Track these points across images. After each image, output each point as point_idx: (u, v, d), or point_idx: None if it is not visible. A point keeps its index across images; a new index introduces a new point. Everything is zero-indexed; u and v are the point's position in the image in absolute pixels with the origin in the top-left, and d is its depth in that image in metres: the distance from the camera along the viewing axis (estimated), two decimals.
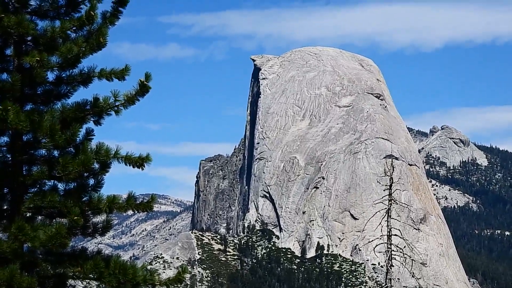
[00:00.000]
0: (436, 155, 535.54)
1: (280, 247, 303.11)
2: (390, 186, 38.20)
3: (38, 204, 16.36)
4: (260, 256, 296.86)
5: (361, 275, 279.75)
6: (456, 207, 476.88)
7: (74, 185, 16.60)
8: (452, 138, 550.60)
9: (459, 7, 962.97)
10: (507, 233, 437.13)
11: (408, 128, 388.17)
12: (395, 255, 38.11)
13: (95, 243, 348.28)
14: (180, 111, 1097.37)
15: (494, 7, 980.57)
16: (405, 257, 38.54)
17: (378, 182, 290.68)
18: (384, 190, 38.48)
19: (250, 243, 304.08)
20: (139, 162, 16.70)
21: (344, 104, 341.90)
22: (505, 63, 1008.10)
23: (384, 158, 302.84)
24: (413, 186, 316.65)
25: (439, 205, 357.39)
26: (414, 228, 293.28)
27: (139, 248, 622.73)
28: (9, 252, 15.86)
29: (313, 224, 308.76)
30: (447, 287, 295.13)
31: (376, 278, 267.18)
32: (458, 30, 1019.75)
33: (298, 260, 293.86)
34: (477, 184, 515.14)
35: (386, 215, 37.72)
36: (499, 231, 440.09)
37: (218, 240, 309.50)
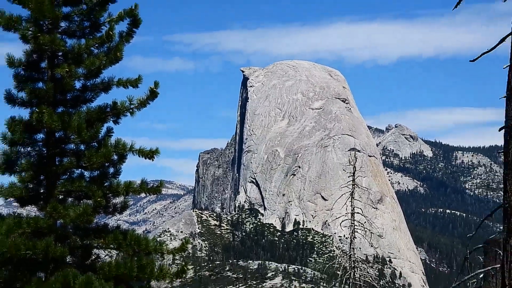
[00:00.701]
0: (390, 148, 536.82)
1: (264, 222, 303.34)
2: (353, 173, 38.28)
3: (68, 188, 16.34)
4: (248, 230, 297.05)
5: (330, 245, 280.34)
6: (406, 190, 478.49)
7: (97, 173, 16.58)
8: (404, 134, 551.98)
9: (409, 27, 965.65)
10: (447, 211, 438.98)
11: (368, 126, 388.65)
12: (357, 228, 38.20)
13: (114, 219, 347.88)
14: (183, 113, 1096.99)
15: (438, 27, 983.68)
16: (365, 231, 38.63)
17: (343, 170, 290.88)
18: (348, 177, 38.56)
19: (240, 220, 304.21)
20: (150, 154, 16.68)
21: (316, 107, 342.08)
22: (447, 73, 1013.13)
23: (348, 150, 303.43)
24: (372, 173, 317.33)
25: (393, 189, 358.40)
26: (373, 207, 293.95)
27: (150, 224, 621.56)
28: (45, 227, 15.86)
29: (291, 204, 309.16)
30: (399, 254, 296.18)
31: (342, 248, 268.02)
32: (409, 46, 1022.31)
33: (279, 233, 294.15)
34: (424, 171, 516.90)
35: (350, 196, 37.80)
36: (441, 210, 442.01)
37: (214, 217, 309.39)
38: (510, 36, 10.41)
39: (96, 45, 16.70)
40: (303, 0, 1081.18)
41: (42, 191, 16.50)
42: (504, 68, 10.33)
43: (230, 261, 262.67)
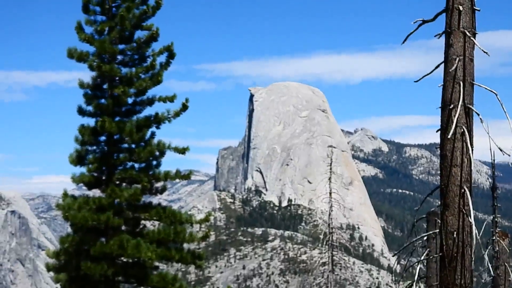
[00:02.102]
0: (357, 145, 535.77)
1: (266, 200, 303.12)
2: (331, 164, 38.22)
3: (123, 176, 16.34)
4: (254, 205, 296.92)
5: (314, 216, 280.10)
6: (370, 176, 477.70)
7: (144, 165, 16.57)
8: (367, 135, 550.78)
9: (370, 57, 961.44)
10: (400, 191, 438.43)
11: (341, 129, 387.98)
12: (334, 204, 38.12)
13: (157, 198, 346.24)
14: (206, 121, 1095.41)
15: (391, 56, 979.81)
16: (340, 205, 38.54)
17: (323, 161, 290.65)
18: (327, 166, 38.50)
19: (248, 198, 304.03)
20: (182, 151, 16.67)
21: (303, 115, 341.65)
22: (398, 90, 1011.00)
23: (327, 147, 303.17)
24: (344, 163, 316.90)
25: (359, 175, 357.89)
26: (345, 188, 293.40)
27: (183, 202, 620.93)
28: (106, 205, 15.87)
29: (285, 186, 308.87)
30: (365, 223, 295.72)
31: (323, 218, 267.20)
32: (370, 70, 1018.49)
33: (277, 208, 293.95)
34: (382, 162, 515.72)
35: (329, 180, 37.74)
36: (395, 190, 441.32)
37: (230, 197, 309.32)
38: (443, 63, 10.50)
39: (143, 72, 16.71)
40: (292, 38, 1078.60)
41: (103, 178, 16.51)
42: (439, 86, 10.41)
43: (242, 229, 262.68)
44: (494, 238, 19.84)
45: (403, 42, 9.93)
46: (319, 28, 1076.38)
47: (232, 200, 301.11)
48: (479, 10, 9.68)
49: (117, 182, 16.37)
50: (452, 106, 9.43)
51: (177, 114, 16.76)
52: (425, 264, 19.51)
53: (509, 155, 9.17)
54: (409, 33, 9.90)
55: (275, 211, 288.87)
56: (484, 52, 9.38)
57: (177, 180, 17.05)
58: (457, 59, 9.46)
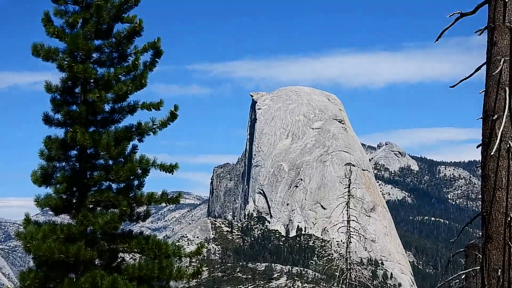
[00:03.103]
0: (381, 163, 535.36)
1: (270, 229, 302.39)
2: (349, 185, 38.15)
3: (97, 198, 16.33)
4: (256, 235, 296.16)
5: (328, 249, 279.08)
6: (396, 200, 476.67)
7: (123, 185, 16.56)
8: (393, 151, 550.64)
9: (396, 57, 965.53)
10: (432, 218, 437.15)
11: (361, 143, 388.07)
12: (353, 234, 38.00)
13: (138, 226, 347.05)
14: (200, 132, 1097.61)
15: (422, 57, 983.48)
16: (360, 236, 38.42)
17: (340, 182, 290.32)
18: (344, 188, 38.42)
19: (249, 226, 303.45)
20: (170, 168, 16.67)
21: (316, 127, 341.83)
22: (429, 97, 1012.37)
23: (344, 165, 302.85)
24: (365, 185, 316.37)
25: (384, 199, 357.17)
26: (366, 215, 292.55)
27: (170, 230, 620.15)
28: (77, 233, 15.83)
29: (294, 213, 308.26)
30: (390, 257, 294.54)
31: (339, 251, 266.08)
32: (396, 74, 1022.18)
33: (283, 238, 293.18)
34: (411, 183, 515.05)
35: (346, 206, 37.65)
36: (426, 217, 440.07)
37: (226, 224, 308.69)
38: (485, 65, 10.44)
39: (124, 73, 16.77)
40: (303, 35, 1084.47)
41: (74, 201, 16.50)
42: (480, 93, 10.34)
43: (240, 263, 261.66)
44: None
45: (437, 40, 9.94)
46: (335, 23, 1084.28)
47: (229, 229, 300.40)
48: None
49: (91, 206, 16.35)
50: (496, 116, 9.42)
51: (164, 125, 16.78)
52: None
53: None
54: (444, 29, 9.91)
55: (281, 243, 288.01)
56: None
57: (163, 204, 17.02)
58: (502, 60, 9.44)
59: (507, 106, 9.57)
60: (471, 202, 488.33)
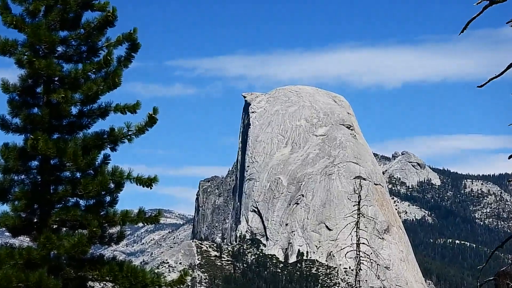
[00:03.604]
0: (397, 176, 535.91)
1: (266, 253, 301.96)
2: (359, 202, 38.17)
3: (63, 217, 16.30)
4: (250, 261, 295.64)
5: (335, 277, 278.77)
6: (414, 219, 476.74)
7: (93, 201, 16.54)
8: (411, 162, 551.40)
9: (414, 52, 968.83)
10: (457, 241, 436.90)
11: (373, 153, 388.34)
12: (363, 260, 38.00)
13: (111, 250, 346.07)
14: (183, 140, 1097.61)
15: (444, 52, 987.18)
16: (371, 262, 38.42)
17: (348, 199, 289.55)
18: (353, 206, 38.45)
19: (241, 250, 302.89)
20: (148, 182, 16.66)
21: (320, 133, 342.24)
22: (453, 99, 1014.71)
23: (353, 178, 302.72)
24: (378, 202, 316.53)
25: (400, 218, 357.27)
26: (379, 238, 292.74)
27: (148, 255, 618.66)
28: (38, 258, 15.77)
29: (294, 234, 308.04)
30: (407, 287, 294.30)
31: (347, 280, 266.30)
32: (414, 71, 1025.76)
33: (282, 265, 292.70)
34: (432, 200, 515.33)
35: (356, 226, 37.66)
36: (450, 240, 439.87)
37: (215, 248, 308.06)
38: None
39: (94, 70, 16.77)
40: (305, 26, 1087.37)
41: (35, 220, 16.46)
42: None
43: None
44: None
45: (462, 31, 9.97)
46: (342, 12, 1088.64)
47: (217, 253, 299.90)
48: None
49: (55, 227, 16.31)
50: None
51: (141, 130, 16.78)
52: None
53: None
54: (471, 19, 9.95)
55: (279, 270, 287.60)
56: None
57: (140, 224, 17.00)
58: None
59: None
60: (502, 222, 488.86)
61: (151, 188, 16.59)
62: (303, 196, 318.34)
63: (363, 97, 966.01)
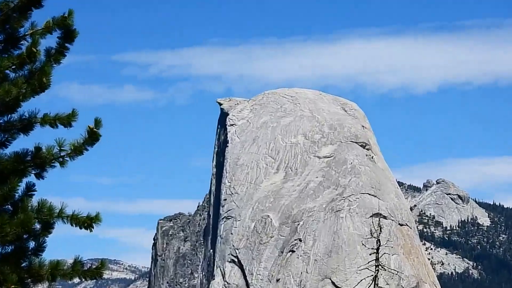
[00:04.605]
0: (430, 214, 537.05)
1: None
2: (377, 249, 38.30)
3: None
4: None
5: None
6: (454, 273, 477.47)
7: (11, 248, 16.55)
8: (449, 194, 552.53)
9: (455, 44, 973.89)
10: None
11: (398, 182, 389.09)
12: None
13: None
14: (137, 163, 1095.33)
15: (496, 44, 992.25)
16: None
17: (363, 244, 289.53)
18: (370, 254, 38.58)
19: None
20: (88, 222, 16.71)
21: (325, 154, 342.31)
22: (508, 107, 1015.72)
23: (370, 217, 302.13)
24: (404, 249, 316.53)
25: (434, 272, 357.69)
26: None
27: None
28: None
29: None
30: None
31: None
32: (454, 70, 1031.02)
33: None
34: (478, 247, 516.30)
35: (373, 283, 37.79)
36: None
37: None
38: None
39: (13, 66, 16.83)
40: (306, 8, 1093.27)
41: None
42: None
43: None
44: None
45: None
46: None
47: None
48: None
49: None
50: None
51: (78, 150, 16.83)
52: None
53: None
54: None
55: None
56: None
57: (77, 280, 17.00)
58: None
59: None
60: None
61: (91, 231, 16.63)
62: (300, 241, 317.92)
63: (383, 105, 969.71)
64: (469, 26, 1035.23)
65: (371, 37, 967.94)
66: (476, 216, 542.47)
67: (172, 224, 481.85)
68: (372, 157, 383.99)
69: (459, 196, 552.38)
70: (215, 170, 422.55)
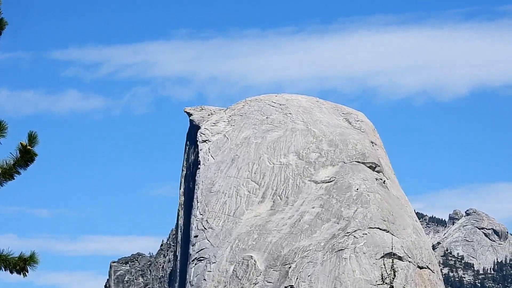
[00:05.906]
0: (458, 253, 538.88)
1: None
2: None
3: None
4: None
5: None
6: None
7: None
8: (482, 228, 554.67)
9: (492, 37, 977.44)
10: None
11: (417, 213, 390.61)
12: None
13: None
14: (83, 191, 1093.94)
15: None
16: None
17: None
18: None
19: None
20: (20, 264, 16.74)
21: (323, 178, 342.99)
22: None
23: (381, 257, 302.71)
24: None
25: None
26: None
27: None
28: None
29: None
30: None
31: None
32: (490, 69, 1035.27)
33: None
34: None
35: None
36: None
37: None
38: None
39: None
40: None
41: None
42: None
43: None
44: None
45: None
46: None
47: None
48: None
49: None
50: None
51: (8, 174, 16.90)
52: None
53: None
54: None
55: None
56: None
57: None
58: None
59: None
60: None
61: (25, 275, 16.67)
62: None
63: (399, 115, 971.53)
64: (506, 12, 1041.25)
65: (383, 27, 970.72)
66: None
67: (128, 267, 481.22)
68: (384, 182, 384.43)
69: (495, 231, 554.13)
70: (183, 198, 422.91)
